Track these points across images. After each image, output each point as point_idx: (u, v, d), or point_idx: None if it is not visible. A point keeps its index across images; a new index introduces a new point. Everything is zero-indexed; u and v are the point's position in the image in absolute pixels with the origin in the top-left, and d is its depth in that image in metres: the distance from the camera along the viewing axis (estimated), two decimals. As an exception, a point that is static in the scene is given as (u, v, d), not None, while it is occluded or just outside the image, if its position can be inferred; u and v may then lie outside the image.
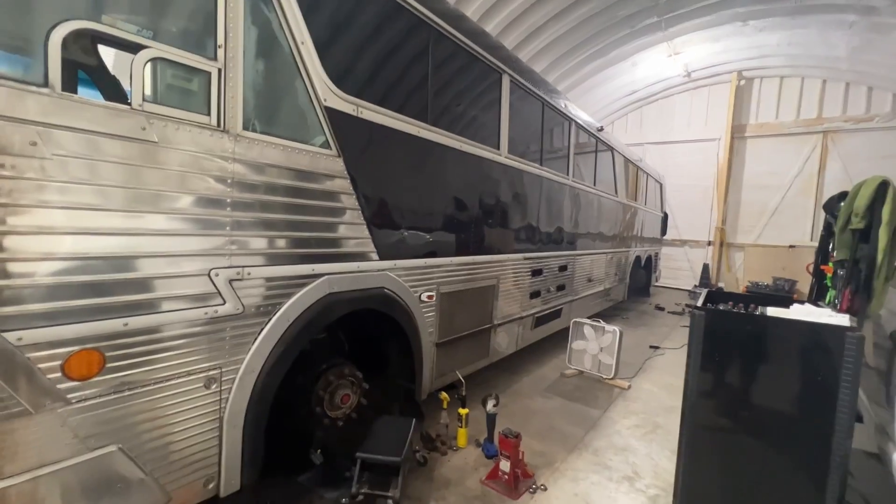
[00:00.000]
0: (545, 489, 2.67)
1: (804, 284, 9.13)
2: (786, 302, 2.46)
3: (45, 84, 1.38)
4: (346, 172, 2.37)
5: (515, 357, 4.69)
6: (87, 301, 1.49)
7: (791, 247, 10.57)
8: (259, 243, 1.98)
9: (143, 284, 1.62)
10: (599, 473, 2.89)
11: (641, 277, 9.51)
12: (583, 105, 5.82)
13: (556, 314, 5.30)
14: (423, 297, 3.04)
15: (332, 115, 2.28)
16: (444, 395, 3.23)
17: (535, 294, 4.66)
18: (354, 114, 2.41)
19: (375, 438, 2.49)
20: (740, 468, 2.14)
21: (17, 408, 1.37)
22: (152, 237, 1.63)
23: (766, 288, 9.07)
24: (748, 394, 2.13)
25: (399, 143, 2.75)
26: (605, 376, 4.57)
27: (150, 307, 1.64)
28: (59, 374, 1.44)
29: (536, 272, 4.62)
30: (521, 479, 2.69)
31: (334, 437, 2.58)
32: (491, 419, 3.11)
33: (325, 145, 2.28)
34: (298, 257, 2.17)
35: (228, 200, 1.85)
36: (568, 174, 5.21)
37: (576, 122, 5.35)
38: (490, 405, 3.10)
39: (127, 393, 1.61)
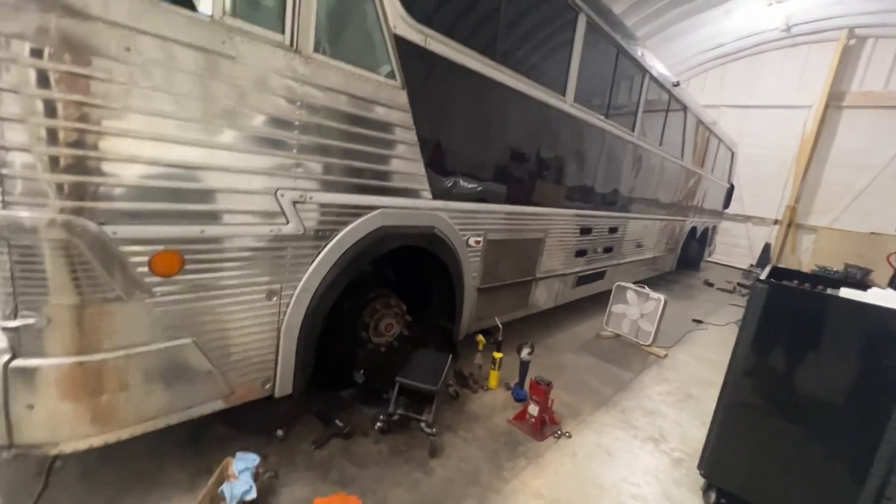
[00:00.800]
0: (569, 436, 2.77)
1: (880, 275, 8.40)
2: (861, 286, 2.27)
3: (137, -11, 1.42)
4: (408, 106, 2.34)
5: (552, 312, 4.71)
6: (170, 205, 1.61)
7: (872, 234, 9.61)
8: (321, 169, 2.03)
9: (218, 196, 1.72)
10: (625, 430, 2.95)
11: (694, 250, 9.05)
12: (659, 56, 5.29)
13: (599, 276, 5.21)
14: (471, 242, 3.06)
15: (401, 43, 2.22)
16: (480, 337, 3.32)
17: (580, 252, 4.58)
18: (422, 44, 2.33)
19: (414, 367, 2.64)
20: (773, 450, 2.09)
21: (113, 293, 1.55)
22: (227, 152, 1.71)
23: (835, 274, 8.39)
24: (798, 377, 2.04)
25: (463, 80, 2.66)
26: (642, 342, 4.52)
27: (223, 218, 1.76)
28: (146, 269, 1.60)
29: (585, 231, 4.51)
30: (547, 425, 2.80)
31: (376, 362, 2.75)
32: (524, 366, 3.20)
33: (391, 76, 2.24)
34: (356, 187, 2.21)
35: (296, 123, 1.89)
36: (633, 131, 4.89)
37: (650, 73, 4.92)
38: (525, 352, 3.18)
39: (201, 294, 1.77)
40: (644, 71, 4.81)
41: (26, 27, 1.29)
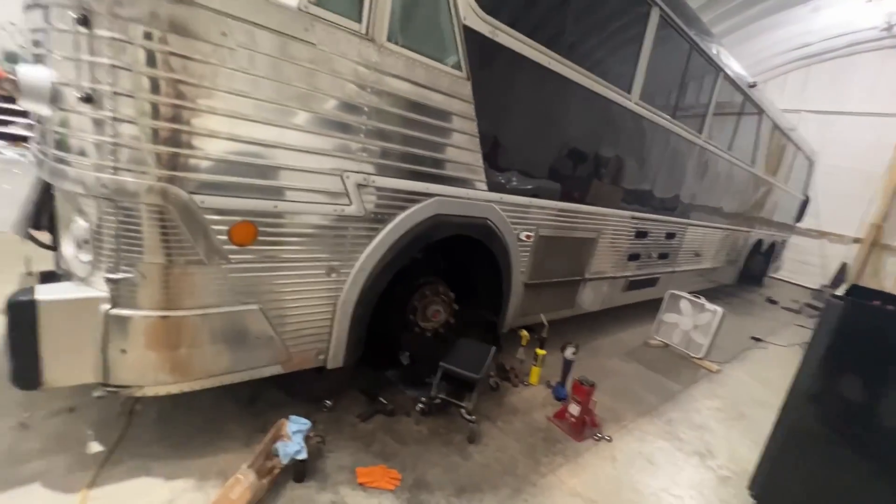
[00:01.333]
0: (610, 440, 2.72)
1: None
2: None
3: (235, -22, 1.54)
4: (471, 97, 2.37)
5: (599, 315, 4.59)
6: (249, 180, 1.74)
7: (972, 261, 8.54)
8: (384, 154, 2.11)
9: (291, 174, 1.84)
10: (669, 442, 2.85)
11: (758, 264, 8.45)
12: (736, 55, 4.96)
13: (651, 282, 5.02)
14: (522, 236, 3.06)
15: (469, 34, 2.25)
16: (524, 332, 3.32)
17: (633, 256, 4.43)
18: (490, 36, 2.35)
19: (457, 354, 2.69)
20: (836, 480, 1.96)
21: (196, 256, 1.70)
22: (301, 132, 1.82)
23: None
24: (871, 405, 1.89)
25: (526, 73, 2.65)
26: (693, 354, 4.32)
27: (294, 195, 1.87)
28: (225, 237, 1.75)
29: (641, 234, 4.35)
30: (587, 426, 2.76)
31: (421, 346, 2.82)
32: (567, 365, 3.17)
33: (457, 66, 2.28)
34: (415, 174, 2.28)
35: (365, 108, 1.97)
36: (701, 132, 4.64)
37: (725, 73, 4.64)
38: (569, 351, 3.14)
39: (270, 264, 1.90)
40: (718, 70, 4.54)
41: (141, 12, 1.44)
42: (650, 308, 4.98)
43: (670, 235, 4.92)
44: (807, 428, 2.03)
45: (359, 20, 1.86)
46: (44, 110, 1.56)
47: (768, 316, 7.10)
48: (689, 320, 4.38)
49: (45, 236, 2.38)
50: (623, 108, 3.45)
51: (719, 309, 4.15)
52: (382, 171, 2.13)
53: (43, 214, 2.13)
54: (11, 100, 5.22)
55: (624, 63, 3.43)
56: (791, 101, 10.88)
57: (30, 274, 3.46)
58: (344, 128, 1.93)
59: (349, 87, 1.90)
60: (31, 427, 1.97)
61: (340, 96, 1.88)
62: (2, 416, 1.99)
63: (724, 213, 5.94)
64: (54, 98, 1.53)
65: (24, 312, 1.51)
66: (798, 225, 9.82)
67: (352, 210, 2.08)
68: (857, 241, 10.21)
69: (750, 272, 8.17)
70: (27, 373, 1.57)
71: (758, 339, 5.56)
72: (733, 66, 4.83)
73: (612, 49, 3.35)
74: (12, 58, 5.48)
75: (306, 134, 1.84)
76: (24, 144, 4.89)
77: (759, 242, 7.83)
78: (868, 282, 9.93)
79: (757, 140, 6.05)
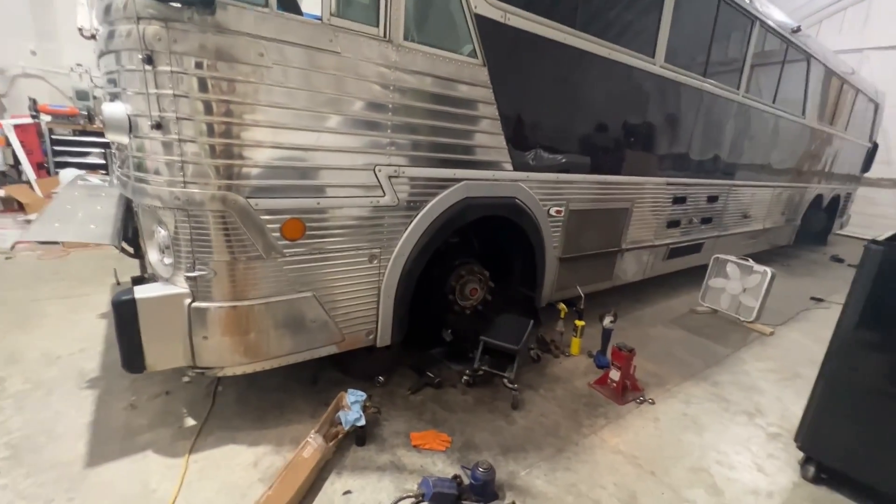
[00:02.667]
0: (653, 402, 2.78)
1: None
2: None
3: (266, 4, 1.74)
4: (489, 82, 2.48)
5: (641, 285, 4.56)
6: (293, 181, 1.97)
7: None
8: (411, 146, 2.28)
9: (329, 173, 2.05)
10: (715, 403, 2.86)
11: (819, 221, 7.91)
12: (780, 1, 4.67)
13: (695, 248, 4.90)
14: (552, 212, 3.14)
15: (481, 22, 2.35)
16: (562, 305, 3.41)
17: (673, 223, 4.35)
18: (501, 20, 2.43)
19: (497, 328, 2.84)
20: (883, 425, 1.93)
21: (256, 253, 1.96)
22: (334, 134, 2.02)
23: None
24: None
25: (543, 51, 2.70)
26: (743, 318, 4.21)
27: (333, 192, 2.09)
28: (278, 234, 1.99)
29: (679, 200, 4.27)
30: (629, 390, 2.83)
31: (462, 323, 3.00)
32: (606, 333, 3.23)
33: (472, 54, 2.39)
34: (442, 161, 2.43)
35: (390, 106, 2.14)
36: (738, 88, 4.43)
37: (761, 21, 4.39)
38: (607, 320, 3.20)
39: (319, 255, 2.14)
40: (753, 19, 4.31)
41: (192, 46, 1.67)
42: (697, 275, 4.88)
43: (712, 199, 4.77)
44: (851, 377, 2.01)
45: (376, 24, 2.02)
46: (124, 139, 1.84)
47: (832, 275, 6.67)
48: (737, 284, 4.26)
49: (129, 248, 2.78)
50: (647, 73, 3.39)
51: (769, 269, 4.01)
52: (411, 161, 2.30)
53: (128, 229, 2.49)
54: (87, 133, 5.86)
55: (644, 27, 3.37)
56: (851, 41, 9.96)
57: (118, 284, 3.96)
58: (372, 126, 2.11)
59: (374, 88, 2.07)
60: (139, 407, 2.34)
61: (366, 97, 2.06)
62: (116, 399, 2.38)
63: (773, 170, 5.63)
64: (132, 128, 1.81)
65: (127, 309, 1.82)
66: (866, 175, 9.02)
67: (386, 200, 2.26)
68: (938, 186, 9.25)
69: (811, 230, 7.66)
70: (134, 359, 1.89)
71: (819, 300, 5.28)
72: (772, 12, 4.55)
73: (629, 14, 3.30)
74: (83, 96, 6.15)
75: (339, 135, 2.03)
76: (102, 172, 5.51)
77: (819, 198, 7.31)
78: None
79: (807, 89, 5.65)
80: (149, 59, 1.66)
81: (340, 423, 2.15)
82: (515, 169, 2.79)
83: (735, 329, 4.15)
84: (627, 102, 3.39)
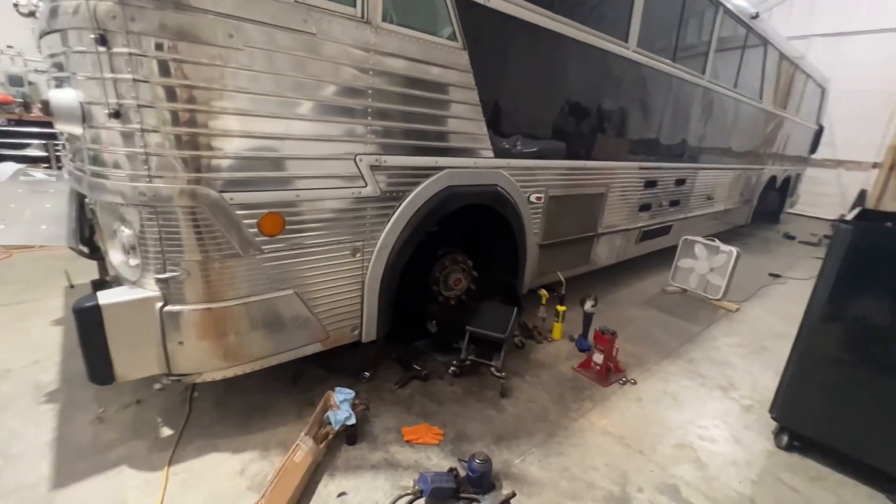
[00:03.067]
0: (635, 383, 2.86)
1: None
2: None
3: (233, -20, 1.60)
4: (469, 66, 2.41)
5: (616, 268, 4.67)
6: (271, 173, 1.85)
7: None
8: (393, 133, 2.19)
9: (308, 163, 1.94)
10: (692, 379, 2.98)
11: (773, 201, 8.36)
12: (736, -15, 4.80)
13: (664, 230, 5.05)
14: (532, 199, 3.13)
15: (461, 3, 2.27)
16: (543, 291, 3.44)
17: (644, 207, 4.46)
18: (482, 2, 2.36)
19: (482, 317, 2.83)
20: (851, 394, 2.05)
21: (232, 250, 1.83)
22: (313, 122, 1.90)
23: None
24: (883, 326, 1.96)
25: (523, 35, 2.66)
26: (711, 297, 4.40)
27: (313, 183, 1.98)
28: (256, 230, 1.87)
29: (650, 184, 4.37)
30: (612, 372, 2.90)
31: (447, 314, 2.97)
32: (588, 317, 3.29)
33: (452, 37, 2.31)
34: (424, 149, 2.35)
35: (370, 91, 2.03)
36: (704, 73, 4.55)
37: (724, 7, 4.50)
38: (588, 305, 3.26)
39: (299, 250, 2.03)
40: (717, 5, 4.41)
41: (151, 24, 1.51)
42: (665, 256, 5.04)
43: (680, 182, 4.92)
44: (822, 350, 2.12)
45: (353, 4, 1.91)
46: (77, 129, 1.66)
47: (786, 251, 7.09)
48: (704, 264, 4.44)
49: (85, 248, 2.56)
50: (621, 58, 3.41)
51: (734, 249, 4.20)
52: (393, 150, 2.21)
53: (83, 228, 2.28)
54: (24, 122, 5.34)
55: (618, 11, 3.38)
56: (798, 28, 10.41)
57: (72, 287, 3.68)
58: (352, 112, 2.01)
59: (352, 72, 1.96)
60: (107, 420, 2.18)
61: (345, 82, 1.95)
62: (80, 413, 2.20)
63: (733, 153, 5.87)
64: (85, 117, 1.64)
65: (90, 316, 1.67)
66: (813, 156, 9.59)
67: (368, 191, 2.17)
68: (875, 166, 9.96)
69: (765, 210, 8.10)
70: (101, 370, 1.74)
71: (776, 276, 5.59)
72: (733, -2, 4.68)
73: (605, -2, 3.30)
74: (16, 81, 5.59)
75: (317, 123, 1.92)
76: (44, 165, 5.05)
77: (773, 179, 7.71)
78: (888, 207, 9.74)
79: (763, 73, 5.89)
80: (102, 40, 1.49)
81: (330, 423, 2.08)
82: (496, 156, 2.75)
83: (704, 307, 4.33)
84: (602, 87, 3.40)
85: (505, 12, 2.50)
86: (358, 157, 2.08)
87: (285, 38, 1.74)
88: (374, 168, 2.16)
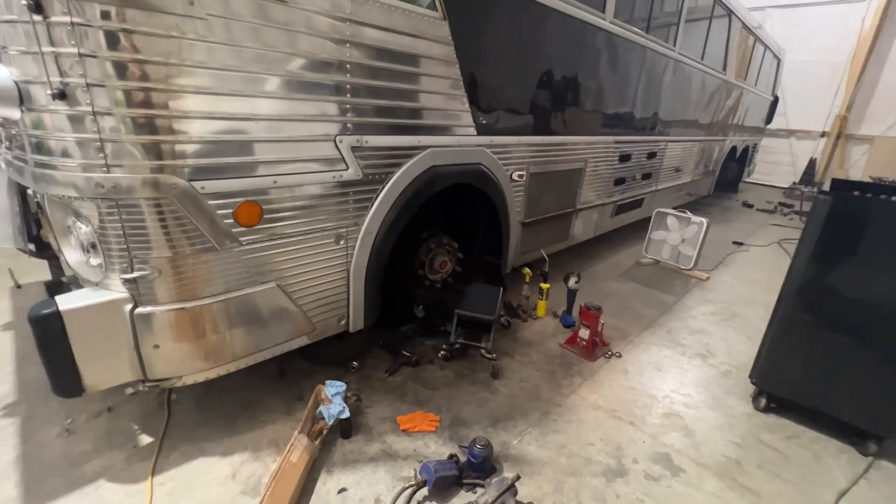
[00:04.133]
0: (620, 356, 2.92)
1: (936, 184, 7.92)
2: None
3: (189, -64, 1.40)
4: (450, 38, 2.28)
5: (591, 243, 4.74)
6: (245, 158, 1.69)
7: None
8: (373, 111, 2.05)
9: (284, 146, 1.79)
10: (672, 349, 3.08)
11: (732, 171, 8.67)
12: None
13: (637, 203, 5.14)
14: (514, 177, 3.07)
15: (440, -31, 2.12)
16: (526, 270, 3.43)
17: (619, 181, 4.50)
18: (461, -32, 2.21)
19: (469, 299, 2.79)
20: (826, 355, 2.16)
21: (207, 244, 1.68)
22: (287, 101, 1.75)
23: (893, 183, 7.97)
24: (859, 287, 2.05)
25: (503, 5, 2.53)
26: (683, 267, 4.55)
27: (291, 168, 1.83)
28: (231, 221, 1.72)
29: (625, 157, 4.40)
30: (598, 346, 2.95)
31: (433, 297, 2.91)
32: (572, 294, 3.32)
33: (431, 6, 2.17)
34: (406, 128, 2.23)
35: (347, 66, 1.88)
36: (675, 45, 4.56)
37: (694, -24, 4.49)
38: (572, 281, 3.28)
39: (280, 241, 1.90)
40: (687, -26, 4.39)
41: (95, -11, 1.31)
42: (638, 229, 5.15)
43: (651, 155, 4.98)
44: (800, 315, 2.21)
45: (326, -33, 1.73)
46: (14, 113, 1.45)
47: (745, 219, 7.42)
48: (676, 235, 4.56)
49: (32, 247, 2.31)
50: (599, 28, 3.35)
51: (704, 220, 4.32)
52: (374, 129, 2.08)
53: (30, 224, 2.04)
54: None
55: (595, -21, 3.29)
56: (754, -1, 10.64)
57: (18, 287, 3.36)
58: (329, 89, 1.86)
59: (328, 45, 1.80)
60: (76, 431, 2.01)
61: (321, 55, 1.79)
62: (45, 426, 2.02)
63: (700, 125, 6.00)
64: (23, 99, 1.42)
65: (50, 324, 1.50)
66: (768, 127, 9.98)
67: (350, 174, 2.05)
68: (824, 135, 10.50)
69: (726, 180, 8.40)
70: (67, 382, 1.58)
71: (739, 244, 5.84)
72: (701, -32, 4.66)
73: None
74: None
75: (293, 101, 1.76)
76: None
77: (734, 149, 7.98)
78: (835, 173, 10.36)
79: (727, 45, 5.98)
80: (37, 7, 1.28)
81: (323, 419, 2.00)
82: (479, 133, 2.66)
83: (677, 277, 4.48)
84: (581, 60, 3.34)
85: (485, -21, 2.36)
86: (338, 139, 1.95)
87: (253, 7, 1.56)
88: (354, 149, 2.02)
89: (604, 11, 3.35)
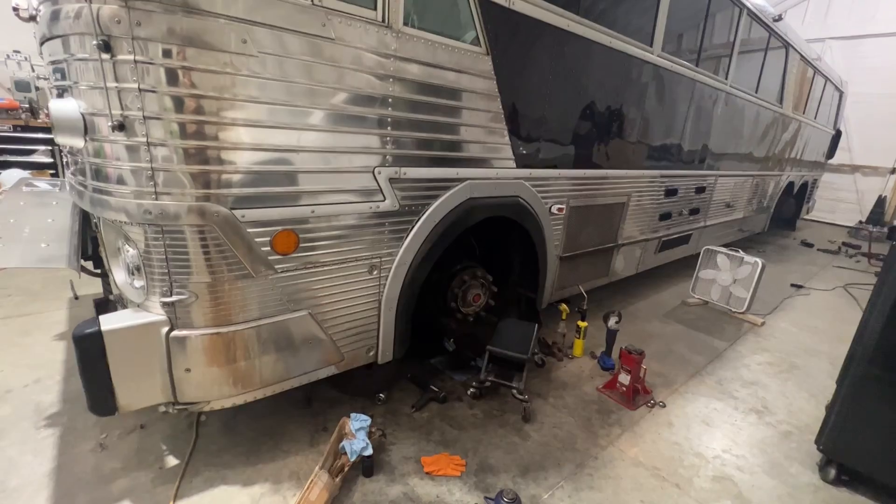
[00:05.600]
0: (664, 406, 2.70)
1: None
2: None
3: (247, -19, 1.48)
4: (492, 73, 2.28)
5: (633, 279, 4.52)
6: (285, 188, 1.72)
7: None
8: (412, 144, 2.06)
9: (324, 177, 1.81)
10: (723, 401, 2.82)
11: (789, 207, 8.16)
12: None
13: (684, 239, 4.89)
14: (553, 210, 2.99)
15: (484, 6, 2.14)
16: (563, 306, 3.29)
17: (665, 216, 4.30)
18: (506, 4, 2.23)
19: (503, 336, 2.68)
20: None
21: (243, 271, 1.71)
22: (330, 133, 1.78)
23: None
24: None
25: (547, 40, 2.52)
26: (734, 309, 4.23)
27: (329, 198, 1.85)
28: (268, 248, 1.74)
29: (671, 192, 4.21)
30: (639, 394, 2.75)
31: (464, 330, 2.83)
32: (611, 334, 3.14)
33: (476, 42, 2.18)
34: (444, 160, 2.22)
35: (389, 100, 1.91)
36: (727, 78, 4.40)
37: (748, 9, 4.35)
38: (612, 321, 3.11)
39: (314, 269, 1.90)
40: (740, 7, 4.26)
41: (158, 30, 1.39)
42: (684, 266, 4.88)
43: (700, 189, 4.75)
44: (878, 376, 1.96)
45: (374, 7, 1.78)
46: (78, 143, 1.55)
47: (805, 260, 6.89)
48: (727, 275, 4.27)
49: (90, 264, 2.44)
50: (647, 62, 3.27)
51: (759, 260, 4.03)
52: (412, 161, 2.08)
53: (87, 244, 2.16)
54: (30, 128, 5.28)
55: (643, 15, 3.24)
56: (812, 31, 10.22)
57: (76, 298, 3.57)
58: (370, 122, 1.88)
59: (372, 80, 1.83)
60: (109, 447, 2.06)
61: (364, 90, 1.82)
62: (82, 440, 2.08)
63: (753, 159, 5.69)
64: (87, 129, 1.52)
65: (91, 343, 1.54)
66: (830, 161, 9.37)
67: (387, 205, 2.04)
68: (894, 171, 9.73)
69: (782, 216, 7.89)
70: (103, 400, 1.62)
71: (798, 287, 5.41)
72: (755, 0, 4.52)
73: (628, 1, 3.16)
74: (23, 87, 5.52)
75: (335, 134, 1.79)
76: (51, 173, 4.97)
77: (791, 185, 7.51)
78: (908, 213, 9.51)
79: (784, 77, 5.72)
80: (106, 46, 1.38)
81: (345, 454, 1.94)
82: (518, 166, 2.61)
83: (728, 321, 4.17)
84: (627, 94, 3.26)
85: (530, 15, 2.36)
86: (377, 170, 1.96)
87: (302, 44, 1.62)
88: (392, 181, 2.03)
89: (651, 45, 3.28)
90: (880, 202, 9.80)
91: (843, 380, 2.07)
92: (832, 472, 2.15)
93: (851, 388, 2.03)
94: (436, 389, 2.58)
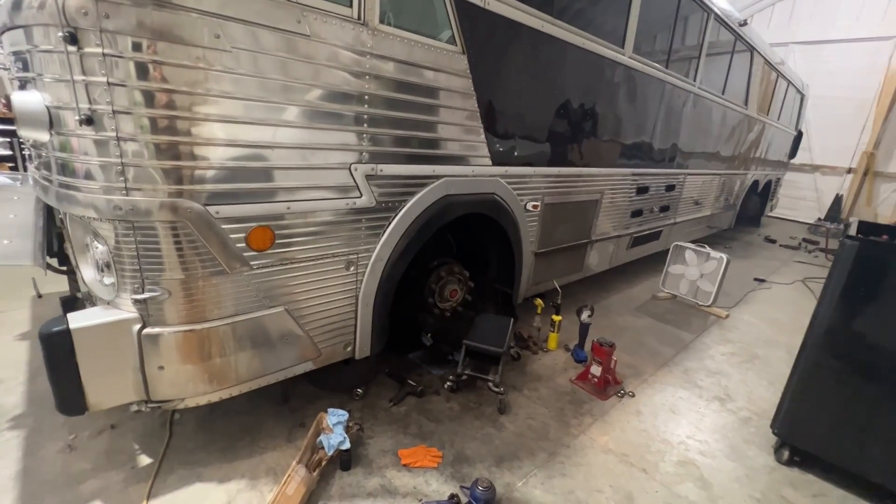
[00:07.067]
0: (633, 395, 2.81)
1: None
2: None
3: (220, -25, 1.46)
4: (468, 71, 2.31)
5: (606, 275, 4.65)
6: (260, 184, 1.72)
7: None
8: (389, 141, 2.08)
9: (300, 173, 1.81)
10: (689, 390, 2.95)
11: (754, 205, 8.51)
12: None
13: (654, 236, 5.05)
14: (529, 207, 3.05)
15: (460, 5, 2.17)
16: (538, 301, 3.37)
17: (636, 213, 4.44)
18: (481, 4, 2.26)
19: (479, 330, 2.74)
20: (855, 410, 2.04)
21: (218, 267, 1.70)
22: (306, 130, 1.78)
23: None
24: (888, 337, 1.95)
25: (521, 40, 2.57)
26: (701, 303, 4.42)
27: (305, 194, 1.85)
28: (243, 245, 1.74)
29: (642, 190, 4.35)
30: (610, 384, 2.85)
31: (442, 325, 2.87)
32: (584, 328, 3.24)
33: (451, 41, 2.21)
34: (421, 157, 2.25)
35: (366, 97, 1.92)
36: (695, 80, 4.56)
37: (715, 14, 4.51)
38: (585, 315, 3.20)
39: (290, 266, 1.90)
40: (707, 12, 4.42)
41: (128, 23, 1.37)
42: (655, 261, 5.05)
43: (670, 187, 4.92)
44: (827, 364, 2.10)
45: (349, 4, 1.79)
46: (43, 136, 1.51)
47: (768, 255, 7.22)
48: (695, 270, 4.45)
49: (55, 261, 2.37)
50: (618, 63, 3.37)
51: (724, 256, 4.21)
52: (389, 158, 2.10)
53: (52, 240, 2.10)
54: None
55: (614, 17, 3.33)
56: (778, 35, 10.65)
57: (40, 296, 3.45)
58: (347, 119, 1.89)
59: (348, 77, 1.84)
60: (78, 448, 2.01)
61: (340, 87, 1.83)
62: (49, 441, 2.03)
63: (721, 158, 5.92)
64: (53, 123, 1.48)
65: (59, 342, 1.51)
66: (792, 161, 9.81)
67: (363, 202, 2.06)
68: (850, 171, 10.26)
69: (747, 214, 8.23)
70: (72, 400, 1.59)
71: (761, 280, 5.67)
72: (722, 4, 4.69)
73: (601, 3, 3.24)
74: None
75: (311, 130, 1.80)
76: (9, 166, 4.75)
77: (755, 183, 7.84)
78: (862, 211, 10.07)
79: (749, 80, 5.96)
80: (72, 38, 1.34)
81: (322, 448, 1.96)
82: (494, 163, 2.66)
83: (694, 313, 4.34)
84: (600, 94, 3.35)
85: (505, 15, 2.41)
86: (353, 167, 1.97)
87: (277, 40, 1.61)
88: (369, 178, 2.04)
89: (622, 46, 3.37)
90: (837, 200, 10.32)
91: (796, 367, 2.21)
92: (786, 454, 2.29)
93: (803, 374, 2.17)
94: (413, 383, 2.62)
